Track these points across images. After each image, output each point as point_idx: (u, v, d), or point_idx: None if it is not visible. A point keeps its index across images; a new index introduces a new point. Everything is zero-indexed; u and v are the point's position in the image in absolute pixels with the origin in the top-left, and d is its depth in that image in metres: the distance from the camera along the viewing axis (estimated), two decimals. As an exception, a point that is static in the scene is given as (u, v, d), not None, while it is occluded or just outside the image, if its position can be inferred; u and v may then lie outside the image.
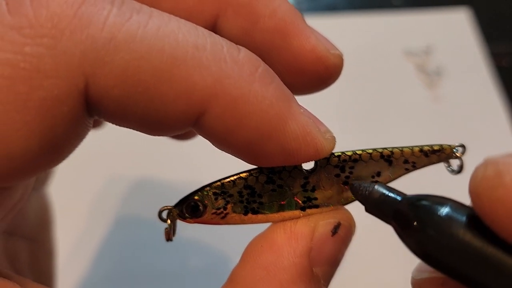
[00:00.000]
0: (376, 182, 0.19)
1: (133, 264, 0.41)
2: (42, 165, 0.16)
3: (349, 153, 0.19)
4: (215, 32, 0.18)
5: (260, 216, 0.19)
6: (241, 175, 0.19)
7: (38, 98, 0.15)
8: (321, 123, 0.18)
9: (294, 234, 0.18)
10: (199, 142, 0.22)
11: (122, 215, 0.44)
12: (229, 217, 0.19)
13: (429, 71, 0.56)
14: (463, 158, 0.19)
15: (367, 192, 0.18)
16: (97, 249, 0.42)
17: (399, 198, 0.17)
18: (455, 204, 0.16)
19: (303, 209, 0.19)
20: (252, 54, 0.17)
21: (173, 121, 0.17)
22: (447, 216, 0.15)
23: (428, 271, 0.17)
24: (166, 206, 0.19)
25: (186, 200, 0.19)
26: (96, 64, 0.15)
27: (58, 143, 0.16)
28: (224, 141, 0.17)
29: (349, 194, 0.19)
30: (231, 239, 0.40)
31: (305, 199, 0.19)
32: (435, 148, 0.19)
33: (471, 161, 0.18)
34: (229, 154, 0.18)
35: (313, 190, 0.19)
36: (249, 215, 0.19)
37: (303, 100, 0.19)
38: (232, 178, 0.19)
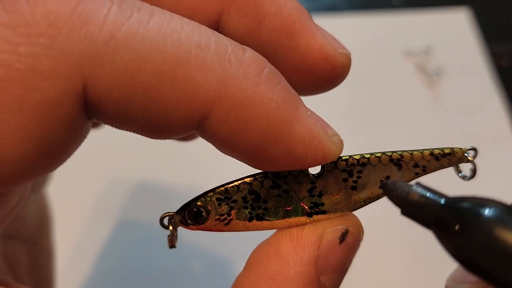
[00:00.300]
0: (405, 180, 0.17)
1: (133, 266, 0.41)
2: (39, 170, 0.16)
3: (357, 157, 0.19)
4: (219, 31, 0.17)
5: (265, 222, 0.19)
6: (246, 180, 0.19)
7: (34, 100, 0.14)
8: (329, 126, 0.18)
9: (300, 241, 0.18)
10: (202, 145, 0.21)
11: (123, 216, 0.44)
12: (233, 223, 0.19)
13: (429, 71, 0.55)
14: (475, 161, 0.19)
15: (404, 194, 0.17)
16: (98, 251, 0.42)
17: (441, 200, 0.16)
18: (499, 205, 0.15)
19: (309, 215, 0.19)
20: (258, 54, 0.17)
21: (175, 125, 0.16)
22: (491, 218, 0.14)
23: (469, 282, 0.16)
24: (168, 213, 0.19)
25: (189, 206, 0.19)
26: (95, 65, 0.14)
27: (56, 147, 0.15)
28: (228, 145, 0.17)
29: (357, 199, 0.19)
30: (234, 241, 0.40)
31: (312, 204, 0.19)
32: (446, 151, 0.19)
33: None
34: (233, 158, 0.18)
35: (320, 195, 0.19)
36: (254, 221, 0.19)
37: (302, 100, 0.18)
38: (236, 183, 0.19)
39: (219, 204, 0.18)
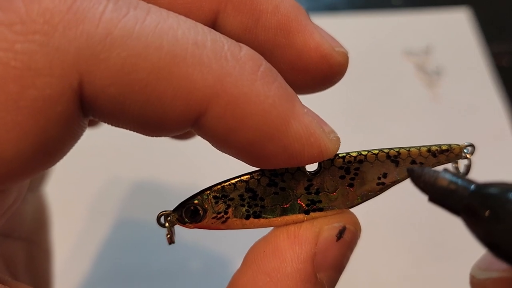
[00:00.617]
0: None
1: (131, 264, 0.41)
2: (35, 167, 0.16)
3: (354, 154, 0.19)
4: (216, 30, 0.17)
5: (262, 220, 0.19)
6: (242, 177, 0.19)
7: (30, 97, 0.14)
8: (325, 123, 0.18)
9: (297, 239, 0.18)
10: (199, 143, 0.21)
11: (121, 216, 0.44)
12: (230, 221, 0.19)
13: (429, 70, 0.55)
14: (472, 158, 0.19)
15: (432, 180, 0.16)
16: (96, 249, 0.42)
17: (470, 186, 0.16)
18: None
19: (307, 212, 0.19)
20: (254, 52, 0.17)
21: (171, 122, 0.16)
22: None
23: (497, 270, 0.16)
24: (165, 211, 0.19)
25: (185, 204, 0.19)
26: (91, 62, 0.14)
27: (52, 144, 0.15)
28: (224, 142, 0.17)
29: (354, 196, 0.19)
30: (232, 239, 0.40)
31: (309, 202, 0.19)
32: (443, 148, 0.19)
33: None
34: (230, 156, 0.18)
35: (317, 192, 0.19)
36: (251, 219, 0.19)
37: (301, 99, 0.18)
38: (233, 181, 0.19)
39: (216, 202, 0.18)
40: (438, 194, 0.16)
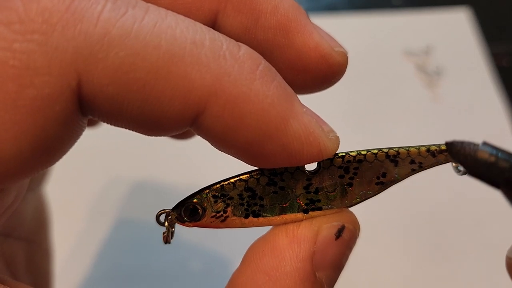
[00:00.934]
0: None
1: (131, 264, 0.41)
2: (34, 167, 0.16)
3: (353, 154, 0.19)
4: (215, 30, 0.17)
5: (261, 219, 0.19)
6: (242, 177, 0.19)
7: (28, 97, 0.14)
8: (325, 122, 0.18)
9: (296, 237, 0.18)
10: (198, 143, 0.21)
11: (121, 215, 0.44)
12: (229, 220, 0.19)
13: (429, 71, 0.55)
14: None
15: (472, 153, 0.16)
16: (96, 250, 0.42)
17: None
18: None
19: (306, 211, 0.19)
20: (253, 51, 0.17)
21: (170, 121, 0.16)
22: None
23: None
24: (164, 210, 0.19)
25: (185, 203, 0.19)
26: (90, 61, 0.14)
27: (51, 144, 0.15)
28: (223, 141, 0.17)
29: (353, 195, 0.19)
30: (232, 239, 0.40)
31: (308, 201, 0.19)
32: (443, 147, 0.19)
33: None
34: (229, 156, 0.18)
35: (316, 192, 0.19)
36: (250, 218, 0.19)
37: (301, 99, 0.18)
38: (232, 180, 0.19)
39: (215, 201, 0.18)
40: (478, 168, 0.16)
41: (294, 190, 0.19)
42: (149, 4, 0.16)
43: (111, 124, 0.17)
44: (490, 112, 0.52)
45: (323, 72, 0.20)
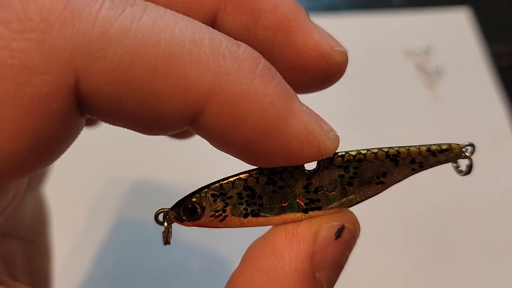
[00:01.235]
0: None
1: (130, 264, 0.41)
2: (32, 166, 0.16)
3: (353, 153, 0.19)
4: (215, 29, 0.17)
5: (260, 219, 0.19)
6: (241, 176, 0.18)
7: (26, 95, 0.14)
8: (324, 121, 0.18)
9: (296, 237, 0.18)
10: (197, 142, 0.21)
11: (121, 215, 0.44)
12: (228, 220, 0.19)
13: (429, 71, 0.55)
14: (472, 157, 0.19)
15: None
16: (95, 250, 0.42)
17: None
18: None
19: (305, 211, 0.19)
20: (252, 50, 0.17)
21: (168, 120, 0.16)
22: None
23: None
24: (163, 209, 0.19)
25: (183, 202, 0.18)
26: (88, 60, 0.14)
27: (49, 143, 0.15)
28: (222, 140, 0.17)
29: (353, 195, 0.19)
30: (231, 239, 0.39)
31: (308, 201, 0.19)
32: (443, 147, 0.19)
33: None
34: (228, 155, 0.17)
35: (316, 191, 0.19)
36: (249, 217, 0.19)
37: (302, 99, 0.18)
38: (231, 179, 0.18)
39: (214, 200, 0.18)
40: None
41: (293, 190, 0.19)
42: (148, 3, 0.16)
43: (109, 123, 0.16)
44: (490, 112, 0.52)
45: (323, 71, 0.20)
